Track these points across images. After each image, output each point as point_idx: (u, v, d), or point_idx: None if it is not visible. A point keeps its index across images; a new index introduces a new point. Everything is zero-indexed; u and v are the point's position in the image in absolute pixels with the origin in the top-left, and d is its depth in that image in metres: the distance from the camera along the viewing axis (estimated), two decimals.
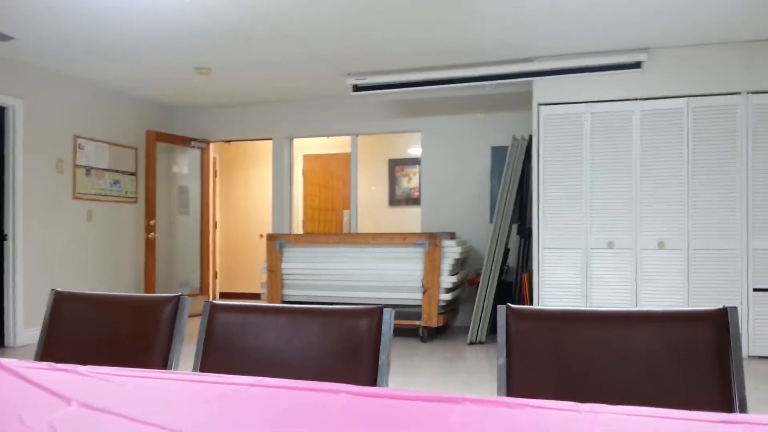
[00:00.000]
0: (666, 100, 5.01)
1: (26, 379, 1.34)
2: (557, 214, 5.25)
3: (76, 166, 6.06)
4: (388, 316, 1.55)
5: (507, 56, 5.30)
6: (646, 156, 5.03)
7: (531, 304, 5.46)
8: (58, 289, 1.93)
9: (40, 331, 1.89)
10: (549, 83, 5.30)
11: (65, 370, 1.42)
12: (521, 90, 6.10)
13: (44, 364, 1.47)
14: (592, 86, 5.20)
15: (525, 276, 5.64)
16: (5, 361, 1.48)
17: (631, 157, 5.06)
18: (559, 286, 5.23)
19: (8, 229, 5.45)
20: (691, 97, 4.95)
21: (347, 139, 7.21)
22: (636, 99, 5.08)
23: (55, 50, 5.12)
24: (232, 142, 8.14)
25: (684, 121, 4.95)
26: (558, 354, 1.51)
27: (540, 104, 5.31)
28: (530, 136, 5.68)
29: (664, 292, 4.97)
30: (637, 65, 5.04)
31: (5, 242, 5.45)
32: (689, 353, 1.43)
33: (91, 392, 1.24)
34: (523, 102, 6.21)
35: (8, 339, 5.47)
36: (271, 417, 1.08)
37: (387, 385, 1.51)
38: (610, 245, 5.11)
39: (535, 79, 5.32)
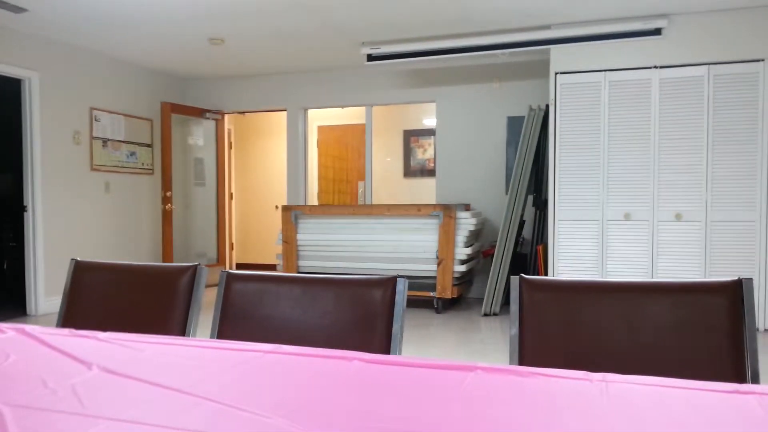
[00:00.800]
0: (686, 68, 4.91)
1: (49, 345, 1.37)
2: (573, 185, 5.21)
3: (92, 138, 6.10)
4: (401, 285, 1.56)
5: (523, 24, 5.21)
6: (664, 125, 4.96)
7: (546, 276, 5.47)
8: (78, 259, 1.97)
9: (60, 299, 1.93)
10: (566, 51, 5.22)
11: (86, 337, 1.45)
12: (537, 58, 6.01)
13: (66, 331, 1.51)
14: (611, 54, 5.11)
15: (540, 248, 5.63)
16: (29, 327, 1.52)
17: (649, 127, 4.99)
18: (574, 258, 5.22)
19: (28, 201, 5.53)
20: (711, 65, 4.85)
21: (362, 110, 7.18)
22: (655, 67, 4.98)
23: (68, 22, 5.12)
24: (246, 114, 8.13)
25: (704, 89, 4.86)
26: (571, 325, 1.51)
27: (557, 73, 5.24)
28: (547, 106, 5.61)
29: (681, 265, 4.94)
30: (656, 32, 4.93)
31: (25, 213, 5.54)
32: (702, 325, 1.43)
33: (111, 358, 1.27)
34: (539, 71, 6.13)
35: (30, 307, 5.59)
36: (286, 383, 1.11)
37: (400, 354, 1.53)
38: (627, 217, 5.07)
39: (552, 47, 5.24)
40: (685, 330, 1.44)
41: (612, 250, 5.12)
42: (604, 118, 5.11)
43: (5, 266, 7.72)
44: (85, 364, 1.23)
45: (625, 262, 5.09)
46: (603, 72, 5.12)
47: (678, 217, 4.94)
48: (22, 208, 5.56)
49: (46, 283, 5.63)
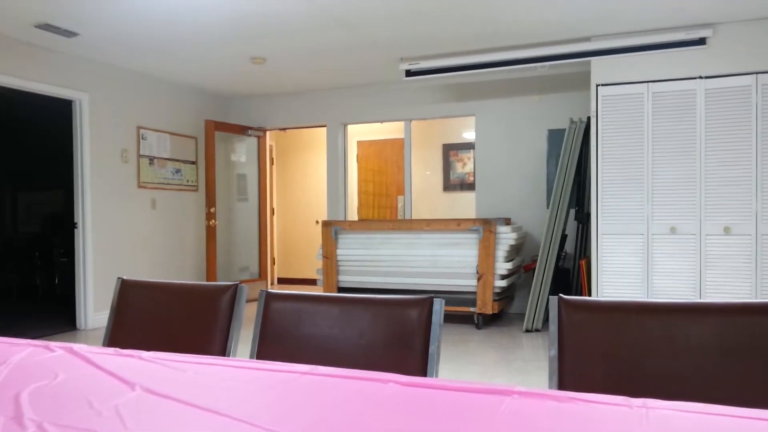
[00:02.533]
0: (732, 77, 4.79)
1: (95, 365, 1.41)
2: (617, 198, 5.11)
3: (140, 155, 6.29)
4: (438, 305, 1.56)
5: (563, 36, 5.17)
6: (710, 136, 4.83)
7: (589, 291, 5.36)
8: (125, 278, 2.02)
9: (107, 314, 1.99)
10: (608, 63, 5.15)
11: (130, 356, 1.49)
12: (578, 70, 5.95)
13: (111, 350, 1.55)
14: (653, 65, 5.02)
15: (583, 262, 5.53)
16: (76, 346, 1.57)
17: (695, 138, 4.88)
18: (618, 273, 5.11)
19: (78, 218, 5.72)
20: (760, 74, 4.72)
21: (401, 124, 7.21)
22: (700, 77, 4.87)
23: (117, 45, 5.30)
24: (287, 130, 8.26)
25: (752, 99, 4.73)
26: (611, 347, 1.48)
27: (599, 84, 5.17)
28: (588, 118, 5.54)
29: (730, 280, 4.79)
30: (701, 42, 4.83)
31: (75, 230, 5.73)
32: (752, 348, 1.38)
33: (153, 378, 1.30)
34: (579, 83, 6.06)
35: (80, 322, 5.76)
36: (322, 405, 1.11)
37: (436, 375, 1.52)
38: (673, 231, 4.95)
39: (593, 59, 5.18)
40: (733, 354, 1.39)
41: (657, 265, 5.00)
42: (648, 130, 5.01)
43: (56, 281, 8.00)
44: (129, 384, 1.26)
45: (672, 277, 4.95)
46: (646, 83, 5.02)
47: (726, 230, 4.79)
48: (73, 225, 5.75)
49: (95, 298, 5.80)
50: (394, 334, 1.59)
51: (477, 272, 5.51)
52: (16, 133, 8.38)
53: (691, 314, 1.47)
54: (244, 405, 1.12)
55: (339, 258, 6.08)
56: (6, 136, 8.12)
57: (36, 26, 4.74)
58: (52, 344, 1.61)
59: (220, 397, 1.17)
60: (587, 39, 5.18)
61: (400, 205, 8.79)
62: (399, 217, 8.66)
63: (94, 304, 5.80)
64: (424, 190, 8.49)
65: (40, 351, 1.56)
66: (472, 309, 5.54)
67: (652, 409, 1.05)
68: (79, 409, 1.11)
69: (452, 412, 1.07)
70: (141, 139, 6.31)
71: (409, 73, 5.86)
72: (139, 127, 6.29)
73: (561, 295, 1.55)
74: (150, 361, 1.45)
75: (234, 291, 1.86)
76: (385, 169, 8.94)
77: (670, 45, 4.93)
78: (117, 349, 1.57)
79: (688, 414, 1.03)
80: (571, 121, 5.70)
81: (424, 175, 8.55)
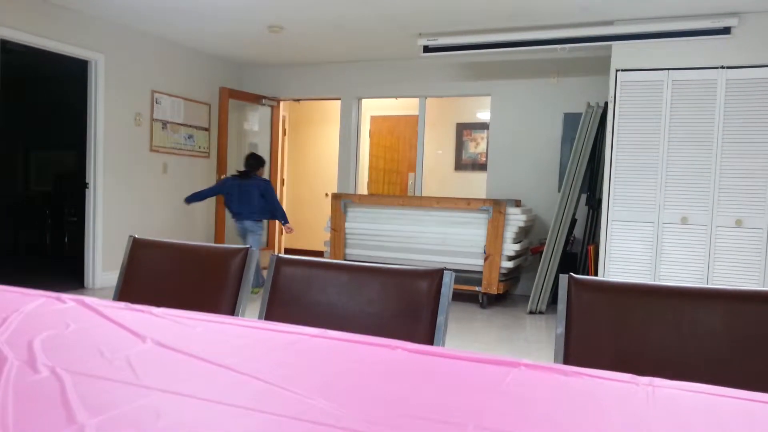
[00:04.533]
0: (755, 69, 4.71)
1: (106, 317, 1.43)
2: (629, 185, 5.08)
3: (153, 119, 6.29)
4: (448, 278, 1.56)
5: (584, 19, 5.09)
6: (729, 128, 4.78)
7: (596, 276, 5.36)
8: (137, 236, 2.04)
9: (115, 274, 2.01)
10: (629, 48, 5.08)
11: (141, 311, 1.51)
12: (598, 54, 5.87)
13: (122, 305, 1.57)
14: (675, 52, 4.94)
15: (591, 248, 5.52)
16: (87, 299, 1.59)
17: (712, 129, 4.82)
18: (626, 260, 5.10)
19: (90, 178, 5.74)
20: None
21: (415, 101, 7.16)
22: (722, 67, 4.80)
23: (135, 7, 5.27)
24: (301, 101, 8.23)
25: None
26: (619, 327, 1.49)
27: (618, 70, 5.11)
28: (605, 103, 5.48)
29: (738, 273, 4.77)
30: (725, 31, 4.75)
31: (87, 190, 5.76)
32: (761, 336, 1.38)
33: (164, 332, 1.32)
34: (598, 67, 5.98)
35: (87, 281, 5.82)
36: (331, 367, 1.13)
37: (443, 346, 1.53)
38: (684, 220, 4.92)
39: (615, 44, 5.11)
40: (739, 339, 1.39)
41: (666, 254, 4.98)
42: (665, 118, 4.96)
43: (66, 240, 8.07)
44: (140, 337, 1.28)
45: (680, 267, 4.94)
46: (666, 71, 4.96)
47: (738, 223, 4.76)
48: (84, 185, 5.78)
49: (103, 258, 5.85)
50: (403, 304, 1.60)
51: (484, 252, 5.51)
52: (31, 92, 8.39)
53: (701, 299, 1.46)
54: (254, 362, 1.13)
55: (347, 231, 6.09)
56: (20, 94, 8.13)
57: None
58: (64, 296, 1.63)
59: (231, 354, 1.18)
60: (610, 23, 5.10)
61: (410, 182, 8.77)
62: (409, 194, 8.65)
63: (103, 264, 5.85)
64: (435, 169, 8.46)
65: (52, 302, 1.57)
66: (477, 288, 5.55)
67: (659, 388, 1.05)
68: (90, 357, 1.12)
69: (459, 380, 1.08)
70: (155, 103, 6.30)
71: (427, 49, 5.80)
72: (153, 91, 6.28)
73: (572, 273, 1.55)
74: (160, 317, 1.46)
75: (245, 255, 1.87)
76: (397, 146, 8.91)
77: (693, 33, 4.85)
78: (128, 303, 1.59)
79: (695, 394, 1.03)
80: (588, 106, 5.65)
81: (435, 153, 8.51)
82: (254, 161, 5.77)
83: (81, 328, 1.34)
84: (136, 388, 0.97)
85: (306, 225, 9.18)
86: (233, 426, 0.83)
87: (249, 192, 5.61)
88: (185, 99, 6.69)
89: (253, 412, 0.89)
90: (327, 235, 6.31)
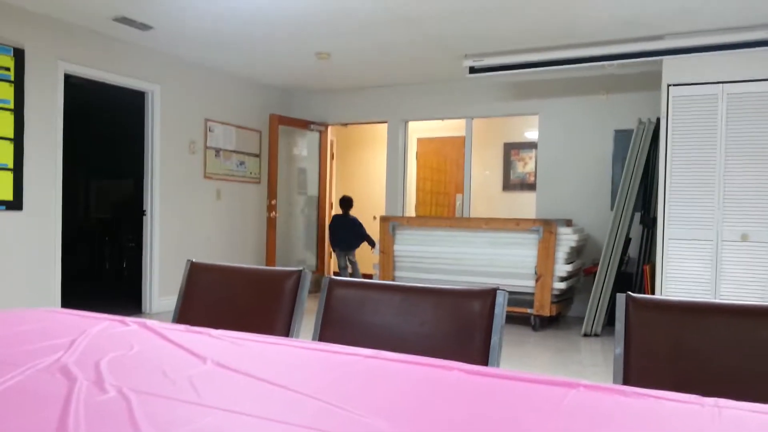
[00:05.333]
0: None
1: (167, 339, 1.48)
2: (685, 203, 4.94)
3: (206, 147, 6.48)
4: (501, 298, 1.55)
5: (633, 34, 5.03)
6: None
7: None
8: (194, 260, 2.10)
9: (172, 299, 2.07)
10: (680, 62, 4.97)
11: (200, 333, 1.55)
12: (647, 70, 5.77)
13: (182, 327, 1.61)
14: (729, 65, 4.82)
15: (647, 268, 5.37)
16: (149, 322, 1.64)
17: None
18: (684, 279, 4.94)
19: (147, 205, 5.94)
20: None
21: (461, 122, 7.17)
22: None
23: (188, 40, 5.48)
24: (348, 125, 8.34)
25: None
26: (680, 347, 1.44)
27: (670, 85, 5.00)
28: (657, 119, 5.37)
29: None
30: None
31: (144, 217, 5.96)
32: None
33: (223, 353, 1.35)
34: (648, 82, 5.88)
35: (145, 306, 5.99)
36: (386, 388, 1.13)
37: (498, 366, 1.52)
38: (744, 238, 4.74)
39: (666, 58, 5.01)
40: None
41: (726, 273, 4.80)
42: (721, 133, 4.82)
43: (124, 265, 8.34)
44: (200, 358, 1.31)
45: (741, 286, 4.75)
46: (720, 84, 4.83)
47: None
48: (142, 212, 5.98)
49: (160, 283, 6.02)
50: (456, 325, 1.59)
51: (535, 273, 5.43)
52: (92, 123, 8.77)
53: (764, 317, 1.41)
54: (311, 382, 1.15)
55: (396, 253, 6.10)
56: (82, 126, 8.51)
57: (113, 19, 4.95)
58: (127, 319, 1.69)
59: (288, 374, 1.20)
60: (660, 37, 5.02)
61: (458, 203, 8.75)
62: (457, 216, 8.62)
63: (160, 289, 6.01)
64: (483, 189, 8.42)
65: (115, 325, 1.63)
66: (529, 310, 5.46)
67: (725, 408, 1.02)
68: (154, 378, 1.16)
69: (516, 400, 1.07)
70: (208, 131, 6.50)
71: (472, 70, 5.82)
72: (206, 120, 6.48)
73: (629, 293, 1.52)
74: (219, 338, 1.50)
75: (298, 276, 1.90)
76: (444, 167, 8.91)
77: (747, 45, 4.72)
78: (187, 326, 1.64)
79: (763, 415, 0.99)
80: (640, 122, 5.54)
81: (483, 174, 8.47)
82: (349, 203, 7.38)
83: (144, 349, 1.38)
84: (198, 407, 0.99)
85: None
86: None
87: (350, 227, 7.27)
88: (237, 126, 6.88)
89: (312, 431, 0.90)
90: (376, 258, 6.33)
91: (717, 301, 1.47)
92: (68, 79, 5.25)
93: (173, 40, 5.52)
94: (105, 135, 8.73)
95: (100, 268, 8.61)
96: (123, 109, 7.43)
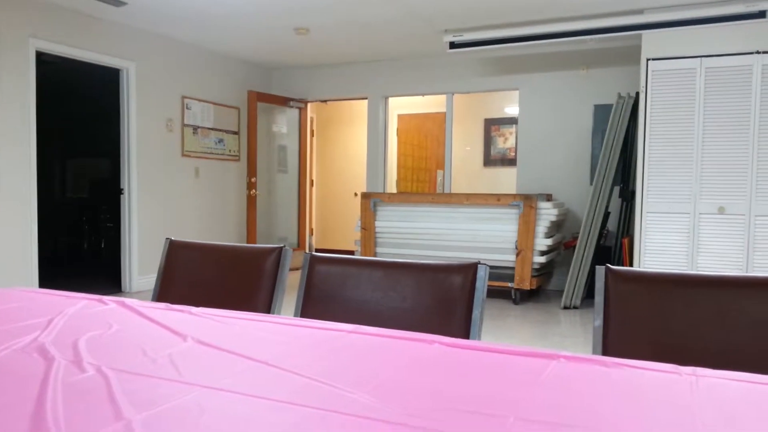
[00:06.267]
0: None
1: (147, 317, 1.46)
2: (663, 176, 4.99)
3: (184, 125, 6.39)
4: (482, 272, 1.56)
5: (613, 8, 5.02)
6: (766, 115, 4.66)
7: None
8: (173, 238, 2.07)
9: (151, 278, 2.05)
10: (660, 36, 4.98)
11: (180, 311, 1.54)
12: (627, 44, 5.78)
13: (162, 305, 1.60)
14: (708, 39, 4.84)
15: (626, 241, 5.44)
16: (128, 300, 1.63)
17: (748, 116, 4.71)
18: (662, 252, 5.01)
19: (124, 184, 5.86)
20: None
21: (442, 98, 7.14)
22: (757, 52, 4.68)
23: (163, 15, 5.36)
24: (328, 102, 8.27)
25: None
26: (658, 318, 1.46)
27: (649, 59, 5.02)
28: (637, 94, 5.40)
29: None
30: (760, 15, 4.63)
31: (122, 196, 5.88)
32: None
33: (204, 331, 1.34)
34: (628, 57, 5.89)
35: (124, 284, 5.94)
36: (369, 362, 1.13)
37: (479, 339, 1.53)
38: (721, 210, 4.81)
39: (645, 32, 5.02)
40: None
41: (704, 245, 4.88)
42: (699, 107, 4.86)
43: (103, 245, 8.24)
44: (181, 336, 1.30)
45: (718, 258, 4.84)
46: (699, 58, 4.86)
47: None
48: (119, 191, 5.90)
49: (139, 262, 5.96)
50: (438, 299, 1.60)
51: (516, 248, 5.47)
52: (66, 101, 8.59)
53: (742, 288, 1.43)
54: (293, 358, 1.15)
55: (377, 230, 6.10)
56: (56, 104, 8.33)
57: None
58: (106, 298, 1.67)
59: (270, 351, 1.19)
60: (639, 11, 5.02)
61: (439, 179, 8.75)
62: (438, 192, 8.63)
63: (139, 268, 5.96)
64: (464, 165, 8.43)
65: (94, 304, 1.61)
66: (510, 284, 5.51)
67: (702, 377, 1.04)
68: (134, 356, 1.15)
69: (498, 372, 1.08)
70: (185, 109, 6.40)
71: (453, 45, 5.78)
72: (183, 97, 6.38)
73: (608, 265, 1.53)
74: (199, 316, 1.49)
75: (279, 253, 1.89)
76: (425, 143, 8.89)
77: (726, 18, 4.74)
78: (167, 304, 1.62)
79: (739, 383, 1.01)
80: (619, 96, 5.56)
81: (464, 149, 8.47)
82: None
83: (123, 328, 1.37)
84: (179, 384, 0.99)
85: (336, 225, 9.23)
86: (276, 419, 0.85)
87: None
88: (215, 104, 6.78)
89: (295, 406, 0.90)
90: (357, 235, 6.33)
91: (694, 272, 1.49)
92: (40, 56, 5.12)
93: (148, 15, 5.40)
94: (80, 114, 8.55)
95: (78, 248, 8.50)
96: (98, 87, 7.28)
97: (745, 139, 4.72)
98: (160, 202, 6.17)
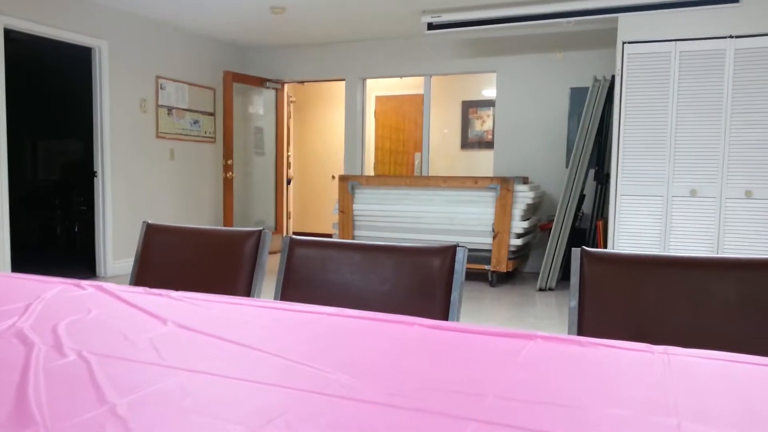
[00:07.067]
0: (765, 37, 4.66)
1: (126, 301, 1.46)
2: (638, 159, 5.06)
3: (158, 106, 6.29)
4: (461, 254, 1.58)
5: None
6: (738, 99, 4.74)
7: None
8: (150, 222, 2.06)
9: (130, 262, 2.03)
10: (635, 19, 5.02)
11: (159, 295, 1.53)
12: (604, 27, 5.82)
13: (141, 289, 1.59)
14: (683, 22, 4.89)
15: (600, 223, 5.52)
16: (106, 285, 1.61)
17: (721, 100, 4.78)
18: (636, 234, 5.10)
19: (98, 166, 5.77)
20: None
21: (420, 80, 7.13)
22: (730, 36, 4.75)
23: None
24: (305, 83, 8.20)
25: None
26: (632, 299, 1.50)
27: (625, 42, 5.06)
28: (612, 77, 5.45)
29: (749, 244, 4.76)
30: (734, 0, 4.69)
31: (95, 178, 5.79)
32: None
33: (184, 315, 1.34)
34: (605, 40, 5.93)
35: (99, 269, 5.87)
36: (349, 344, 1.14)
37: (458, 321, 1.55)
38: (693, 193, 4.91)
39: (621, 15, 5.05)
40: (751, 307, 1.40)
41: (676, 227, 4.98)
42: (673, 91, 4.93)
43: (76, 229, 8.12)
44: (161, 319, 1.30)
45: (690, 240, 4.94)
46: (674, 42, 4.91)
47: (748, 194, 4.74)
48: (92, 174, 5.81)
49: (114, 246, 5.90)
50: (417, 282, 1.61)
51: (493, 230, 5.52)
52: (36, 80, 8.39)
53: (713, 269, 1.47)
54: (273, 341, 1.15)
55: (355, 213, 6.11)
56: (26, 83, 8.14)
57: None
58: (83, 283, 1.65)
59: (251, 334, 1.20)
60: None
61: (417, 162, 8.77)
62: (416, 174, 8.65)
63: (114, 253, 5.90)
64: (441, 148, 8.45)
65: (71, 288, 1.60)
66: (486, 267, 5.57)
67: (674, 356, 1.07)
68: (114, 340, 1.14)
69: (476, 353, 1.10)
70: (159, 89, 6.30)
71: (431, 27, 5.76)
72: (157, 77, 6.28)
73: (584, 247, 1.56)
74: (179, 300, 1.48)
75: (258, 237, 1.89)
76: (403, 126, 8.89)
77: (701, 2, 4.79)
78: (146, 288, 1.61)
79: (710, 360, 1.05)
80: (595, 80, 5.61)
81: (441, 132, 8.49)
82: None
83: (102, 312, 1.36)
84: (161, 368, 0.99)
85: (313, 208, 9.21)
86: (259, 401, 0.86)
87: None
88: (190, 84, 6.69)
89: (276, 387, 0.91)
90: (335, 218, 6.33)
91: (667, 254, 1.53)
92: (8, 34, 4.99)
93: None
94: (51, 94, 8.37)
95: (51, 232, 8.36)
96: (69, 67, 7.13)
97: (717, 123, 4.80)
98: (135, 184, 6.09)
